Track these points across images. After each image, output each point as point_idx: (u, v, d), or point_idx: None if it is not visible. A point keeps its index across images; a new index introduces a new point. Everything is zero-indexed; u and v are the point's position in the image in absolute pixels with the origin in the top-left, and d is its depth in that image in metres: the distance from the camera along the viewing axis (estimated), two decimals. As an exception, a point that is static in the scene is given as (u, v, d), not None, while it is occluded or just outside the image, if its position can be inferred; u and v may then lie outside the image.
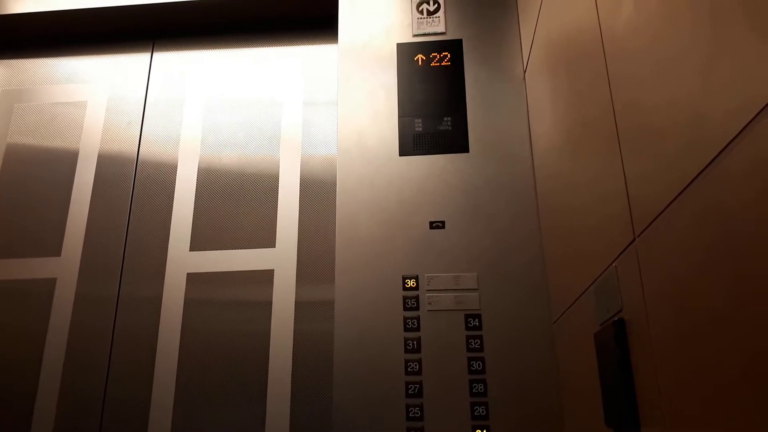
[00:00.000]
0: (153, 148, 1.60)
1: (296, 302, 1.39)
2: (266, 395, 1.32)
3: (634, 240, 0.68)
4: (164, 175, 1.56)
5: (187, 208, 1.52)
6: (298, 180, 1.50)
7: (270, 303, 1.40)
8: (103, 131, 1.64)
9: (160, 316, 1.42)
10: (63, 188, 1.60)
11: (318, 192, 1.49)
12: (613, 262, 0.76)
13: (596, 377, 0.87)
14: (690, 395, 0.54)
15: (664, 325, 0.60)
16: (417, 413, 1.15)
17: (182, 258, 1.47)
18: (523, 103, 1.37)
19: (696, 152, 0.51)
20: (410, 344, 1.20)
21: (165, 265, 1.47)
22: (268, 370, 1.34)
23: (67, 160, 1.63)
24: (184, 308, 1.42)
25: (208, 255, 1.46)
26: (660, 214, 0.60)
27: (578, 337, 1.07)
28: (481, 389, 1.16)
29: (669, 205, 0.57)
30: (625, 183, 0.70)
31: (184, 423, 1.32)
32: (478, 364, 1.18)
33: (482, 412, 1.14)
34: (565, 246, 1.06)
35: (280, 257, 1.44)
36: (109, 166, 1.60)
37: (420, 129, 1.36)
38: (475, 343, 1.19)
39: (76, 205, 1.57)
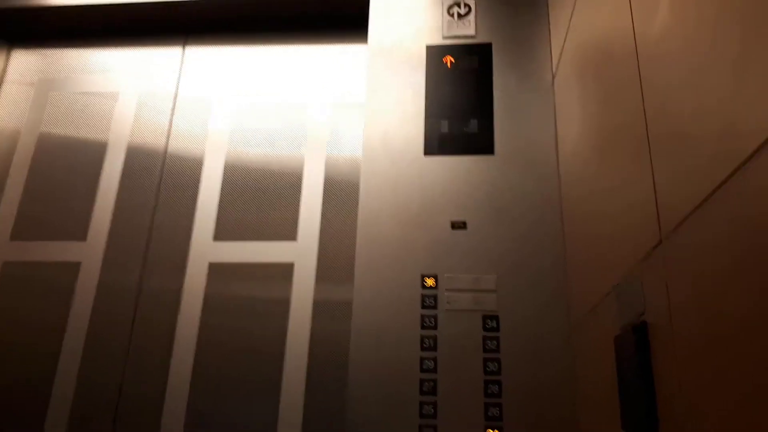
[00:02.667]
0: (181, 142, 1.63)
1: (314, 299, 1.41)
2: (280, 389, 1.33)
3: (660, 242, 0.68)
4: (191, 169, 1.59)
5: (212, 200, 1.54)
6: (322, 178, 1.52)
7: (288, 297, 1.42)
8: (133, 123, 1.68)
9: (179, 307, 1.44)
10: (91, 176, 1.63)
11: (341, 191, 1.51)
12: (637, 265, 0.76)
13: (614, 382, 0.87)
14: (713, 401, 0.55)
15: (688, 330, 0.60)
16: (431, 411, 1.15)
17: (205, 248, 1.49)
18: (551, 108, 1.38)
19: (725, 158, 0.51)
20: (427, 342, 1.21)
21: (188, 254, 1.49)
22: (283, 364, 1.36)
23: (97, 149, 1.66)
24: (204, 300, 1.44)
25: (230, 245, 1.49)
26: (687, 218, 0.60)
27: (597, 341, 1.07)
28: (495, 390, 1.16)
29: (697, 208, 0.58)
30: (654, 187, 0.70)
31: (197, 414, 1.34)
32: (494, 365, 1.18)
33: (496, 413, 1.15)
34: (588, 250, 1.06)
35: (301, 250, 1.46)
36: (137, 157, 1.64)
37: (446, 130, 1.37)
38: (491, 344, 1.20)
39: (104, 193, 1.60)
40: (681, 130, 0.62)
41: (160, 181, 1.59)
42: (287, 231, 1.49)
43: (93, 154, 1.66)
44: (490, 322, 1.21)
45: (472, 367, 1.19)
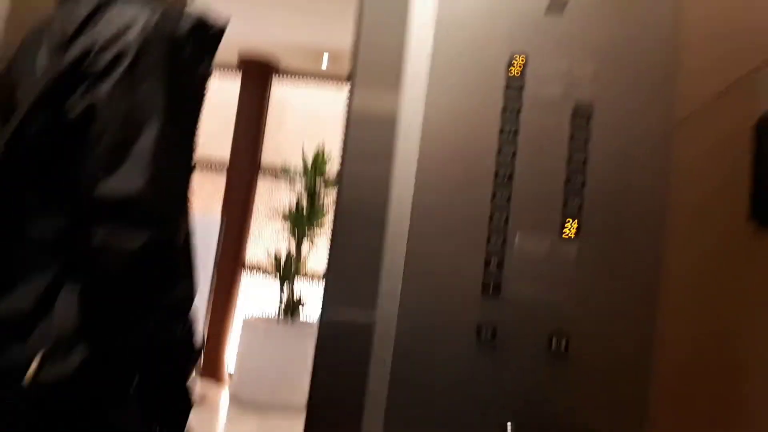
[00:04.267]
0: None
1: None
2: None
3: None
4: None
5: None
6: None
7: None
8: None
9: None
10: None
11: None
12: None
13: (735, 174, 0.78)
14: None
15: None
16: (504, 201, 1.09)
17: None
18: None
19: None
20: (507, 130, 1.11)
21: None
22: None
23: None
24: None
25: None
26: None
27: (708, 140, 0.96)
28: (578, 184, 1.09)
29: None
30: None
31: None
32: (581, 157, 1.09)
33: (575, 206, 1.08)
34: (709, 39, 0.90)
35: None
36: None
37: None
38: (580, 139, 1.09)
39: None
40: None
41: None
42: None
43: None
44: (582, 113, 1.09)
45: (555, 159, 1.10)
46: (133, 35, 0.74)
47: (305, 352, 4.01)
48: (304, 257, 4.31)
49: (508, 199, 1.09)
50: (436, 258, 1.09)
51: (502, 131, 1.11)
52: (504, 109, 1.12)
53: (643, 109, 1.09)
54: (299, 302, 4.22)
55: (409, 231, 1.10)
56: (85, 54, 0.74)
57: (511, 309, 1.06)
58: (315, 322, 4.30)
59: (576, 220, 1.08)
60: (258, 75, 5.17)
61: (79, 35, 0.76)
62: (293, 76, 5.32)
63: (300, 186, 4.44)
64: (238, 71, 5.16)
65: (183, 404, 0.81)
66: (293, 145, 4.84)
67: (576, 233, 1.08)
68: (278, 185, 4.85)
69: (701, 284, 0.93)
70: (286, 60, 5.13)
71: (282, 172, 4.65)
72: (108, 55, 0.74)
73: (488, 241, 1.08)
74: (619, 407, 1.03)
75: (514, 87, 1.12)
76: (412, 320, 1.08)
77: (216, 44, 0.85)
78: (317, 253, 4.38)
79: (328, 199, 4.38)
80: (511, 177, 1.10)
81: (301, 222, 4.26)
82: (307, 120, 5.28)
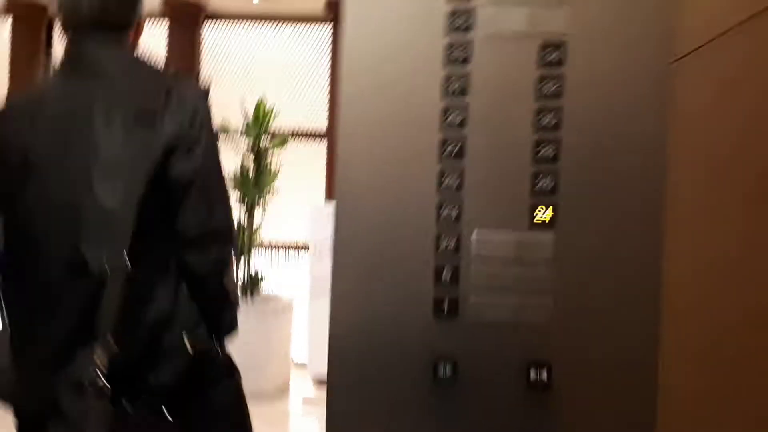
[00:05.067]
0: None
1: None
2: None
3: None
4: None
5: None
6: None
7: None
8: None
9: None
10: None
11: None
12: None
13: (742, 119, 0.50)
14: None
15: None
16: (455, 181, 0.80)
17: None
18: None
19: None
20: (454, 84, 0.80)
21: None
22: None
23: None
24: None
25: None
26: None
27: (723, 75, 0.68)
28: (550, 153, 0.80)
29: None
30: None
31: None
32: (553, 117, 0.79)
33: (548, 185, 0.80)
34: None
35: None
36: None
37: None
38: (551, 87, 0.79)
39: None
40: None
41: None
42: None
43: None
44: (552, 52, 0.79)
45: (519, 119, 0.80)
46: (202, 112, 1.01)
47: (270, 330, 3.78)
48: (258, 227, 3.96)
49: (460, 185, 0.80)
50: (368, 271, 0.80)
51: (446, 86, 0.81)
52: (447, 53, 0.80)
53: (634, 46, 0.79)
54: (258, 277, 3.89)
55: (334, 234, 0.81)
56: (179, 129, 0.96)
57: (474, 333, 0.78)
58: (278, 295, 4.07)
59: (550, 205, 0.79)
60: (186, 20, 4.66)
61: (164, 112, 0.96)
62: (226, 20, 4.82)
63: (244, 146, 4.03)
64: (163, 18, 4.63)
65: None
66: (233, 99, 4.40)
67: (551, 221, 0.80)
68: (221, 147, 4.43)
69: (723, 276, 0.67)
70: (214, 0, 4.63)
71: (221, 132, 4.22)
72: (194, 131, 0.98)
73: (437, 243, 0.79)
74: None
75: (459, 18, 0.80)
76: (343, 357, 0.80)
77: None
78: (273, 222, 4.05)
79: (278, 159, 4.01)
80: (461, 152, 0.80)
81: (248, 188, 3.87)
82: (246, 69, 4.83)
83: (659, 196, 0.79)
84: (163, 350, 0.96)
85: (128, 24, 1.05)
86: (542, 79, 0.79)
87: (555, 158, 0.79)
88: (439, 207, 0.80)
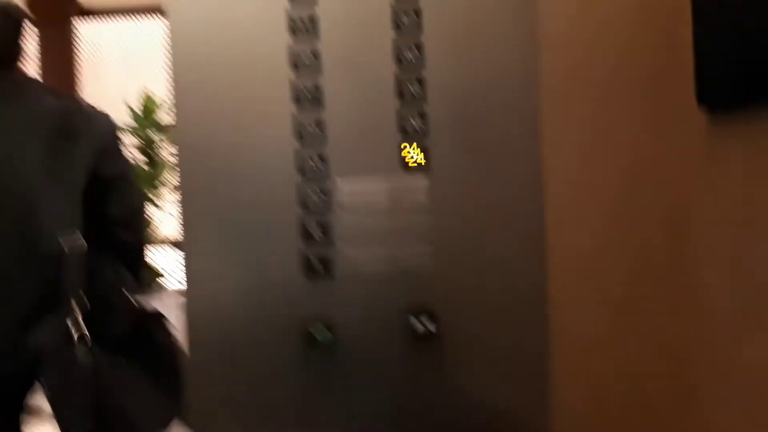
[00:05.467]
0: None
1: None
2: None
3: None
4: None
5: None
6: None
7: None
8: None
9: None
10: None
11: None
12: None
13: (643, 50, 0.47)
14: None
15: None
16: (315, 130, 0.73)
17: None
18: None
19: None
20: (300, 23, 0.72)
21: None
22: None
23: None
24: None
25: None
26: None
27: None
28: (417, 92, 0.74)
29: None
30: None
31: None
32: (414, 51, 0.74)
33: (417, 125, 0.74)
34: None
35: None
36: None
37: None
38: (407, 18, 0.74)
39: None
40: None
41: None
42: None
43: None
44: (405, -20, 0.73)
45: (378, 55, 0.74)
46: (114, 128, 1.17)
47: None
48: (155, 222, 3.73)
49: (321, 132, 0.72)
50: (226, 234, 0.72)
51: (292, 27, 0.73)
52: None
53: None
54: (157, 273, 3.68)
55: (181, 198, 0.72)
56: (98, 141, 1.10)
57: (349, 290, 0.72)
58: (178, 290, 3.86)
59: (420, 146, 0.74)
60: (55, 17, 4.26)
61: (75, 128, 1.08)
62: (100, 15, 4.48)
63: (131, 142, 3.76)
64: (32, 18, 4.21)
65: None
66: (116, 95, 4.10)
67: (424, 162, 0.74)
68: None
69: (623, 206, 0.65)
70: (85, -4, 4.26)
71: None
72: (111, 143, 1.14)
73: (300, 197, 0.72)
74: (513, 386, 0.75)
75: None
76: (203, 338, 0.71)
77: None
78: (169, 216, 3.81)
79: (166, 152, 3.77)
80: (319, 97, 0.73)
81: (142, 182, 3.63)
82: (127, 62, 4.52)
83: (536, 126, 0.75)
84: (112, 308, 1.12)
85: (16, 56, 1.15)
86: (397, 15, 0.73)
87: (421, 92, 0.74)
88: (300, 159, 0.72)
